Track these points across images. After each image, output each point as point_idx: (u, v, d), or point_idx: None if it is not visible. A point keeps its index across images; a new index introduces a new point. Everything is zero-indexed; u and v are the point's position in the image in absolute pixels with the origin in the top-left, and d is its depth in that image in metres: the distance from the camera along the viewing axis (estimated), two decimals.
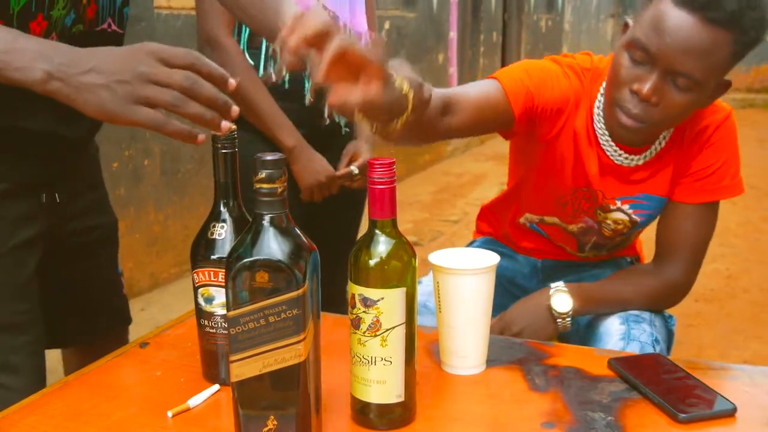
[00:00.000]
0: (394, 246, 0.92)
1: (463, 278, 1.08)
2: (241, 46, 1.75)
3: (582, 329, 1.54)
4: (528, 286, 1.64)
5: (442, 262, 1.10)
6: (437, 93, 1.20)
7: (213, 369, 1.07)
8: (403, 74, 0.98)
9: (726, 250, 4.31)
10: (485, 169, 7.11)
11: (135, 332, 1.58)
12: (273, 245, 0.83)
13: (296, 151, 1.76)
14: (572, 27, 12.43)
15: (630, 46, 1.29)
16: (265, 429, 0.85)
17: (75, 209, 1.34)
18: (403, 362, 0.93)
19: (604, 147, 1.42)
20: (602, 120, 1.40)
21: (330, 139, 1.86)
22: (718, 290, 3.84)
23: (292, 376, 0.84)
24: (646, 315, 1.46)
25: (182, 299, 3.48)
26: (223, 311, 1.02)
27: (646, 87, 1.27)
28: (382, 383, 0.93)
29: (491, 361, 1.13)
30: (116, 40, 1.29)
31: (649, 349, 1.38)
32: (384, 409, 0.94)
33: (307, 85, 1.78)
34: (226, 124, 0.97)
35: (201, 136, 0.97)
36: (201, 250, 1.05)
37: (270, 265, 0.82)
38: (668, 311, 1.55)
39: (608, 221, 1.50)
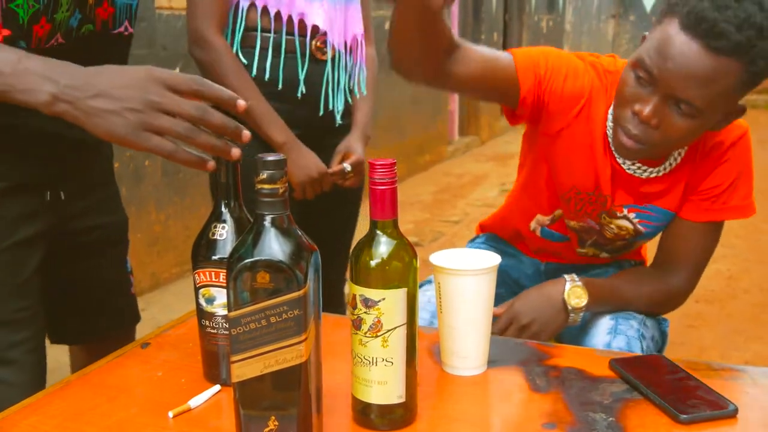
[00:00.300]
0: (396, 246, 0.92)
1: (464, 279, 1.08)
2: (235, 45, 1.75)
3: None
4: (531, 286, 1.63)
5: (443, 262, 1.10)
6: (454, 33, 1.27)
7: (214, 369, 1.07)
8: None
9: (727, 251, 4.30)
10: (486, 170, 7.11)
11: (136, 332, 1.58)
12: (274, 246, 0.83)
13: (286, 147, 1.74)
14: (573, 27, 12.43)
15: (635, 66, 1.26)
16: (266, 429, 0.85)
17: (80, 207, 1.34)
18: (405, 363, 0.93)
19: (617, 155, 1.41)
20: None
21: (324, 138, 1.86)
22: (719, 291, 3.84)
23: (294, 376, 0.84)
24: (638, 314, 1.46)
25: (183, 299, 3.48)
26: (224, 312, 1.02)
27: (646, 109, 1.25)
28: (383, 384, 0.93)
29: (492, 362, 1.13)
30: (129, 41, 1.30)
31: (636, 344, 1.38)
32: (385, 409, 0.94)
33: (301, 86, 1.77)
34: (236, 151, 0.98)
35: (210, 163, 0.98)
36: (202, 250, 1.05)
37: (271, 266, 0.82)
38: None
39: (612, 226, 1.49)
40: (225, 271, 0.85)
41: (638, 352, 1.36)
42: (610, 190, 1.44)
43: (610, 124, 1.40)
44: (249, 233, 0.84)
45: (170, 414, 0.98)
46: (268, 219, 0.84)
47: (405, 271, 0.92)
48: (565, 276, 1.42)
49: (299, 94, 1.78)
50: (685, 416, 0.96)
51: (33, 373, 1.24)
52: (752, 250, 4.44)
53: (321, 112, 1.82)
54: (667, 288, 1.46)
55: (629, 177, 1.42)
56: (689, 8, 1.19)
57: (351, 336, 0.94)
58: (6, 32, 1.07)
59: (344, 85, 1.86)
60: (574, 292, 1.40)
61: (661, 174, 1.42)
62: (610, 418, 0.97)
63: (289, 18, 1.74)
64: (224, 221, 1.05)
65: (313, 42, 1.77)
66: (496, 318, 1.38)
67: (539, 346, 1.21)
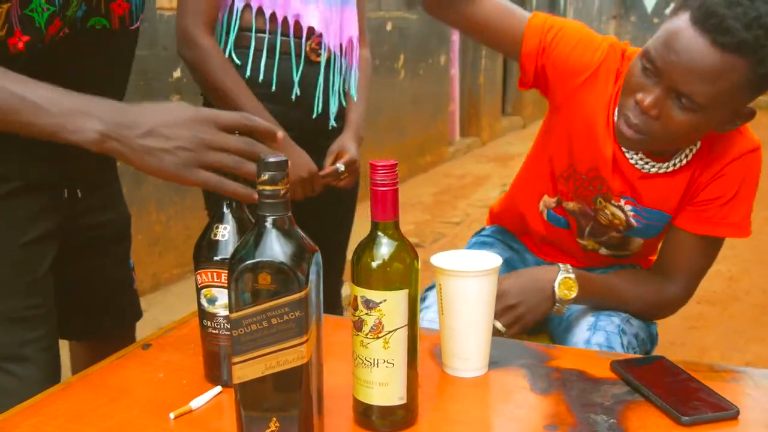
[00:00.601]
0: (397, 248, 0.92)
1: (465, 280, 1.08)
2: (229, 46, 1.74)
3: (556, 317, 1.54)
4: None
5: (444, 264, 1.10)
6: None
7: (215, 370, 1.07)
8: None
9: (727, 252, 4.28)
10: (487, 171, 7.11)
11: (137, 333, 1.58)
12: (276, 247, 0.83)
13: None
14: None
15: (643, 56, 1.27)
16: (268, 431, 0.85)
17: (89, 205, 1.35)
18: (406, 364, 0.93)
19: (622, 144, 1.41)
20: None
21: (318, 140, 1.85)
22: (720, 292, 3.84)
23: (295, 377, 0.84)
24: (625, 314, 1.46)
25: (184, 300, 3.48)
26: (226, 312, 1.02)
27: (647, 99, 1.25)
28: (384, 385, 0.93)
29: (493, 364, 1.13)
30: (138, 35, 1.31)
31: (615, 339, 1.38)
32: (386, 411, 0.94)
33: (296, 88, 1.76)
34: None
35: (255, 195, 1.00)
36: (204, 251, 1.05)
37: (272, 267, 0.82)
38: None
39: (606, 212, 1.49)
40: (227, 271, 0.85)
41: (618, 348, 1.36)
42: (608, 175, 1.43)
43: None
44: (250, 234, 0.84)
45: (171, 415, 0.98)
46: (269, 220, 0.84)
47: (406, 273, 0.92)
48: (560, 265, 1.42)
49: (293, 96, 1.77)
50: (686, 418, 0.96)
51: (47, 371, 1.24)
52: (753, 251, 4.44)
53: (315, 115, 1.81)
54: (662, 294, 1.46)
55: (631, 167, 1.42)
56: (701, 2, 1.19)
57: (352, 337, 0.94)
58: (26, 38, 1.09)
59: (339, 87, 1.85)
60: (565, 282, 1.39)
61: (662, 171, 1.41)
62: (612, 420, 0.97)
63: (285, 19, 1.73)
64: (226, 222, 1.05)
65: (308, 43, 1.76)
66: None
67: (540, 347, 1.21)
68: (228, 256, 0.93)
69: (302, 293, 0.82)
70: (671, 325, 3.24)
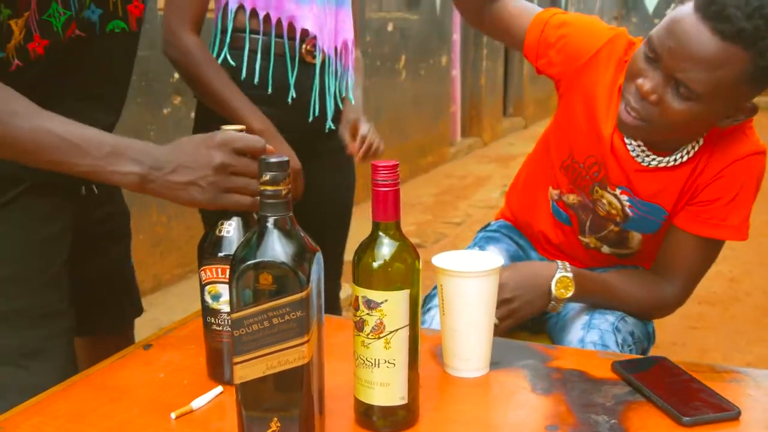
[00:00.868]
0: (398, 248, 0.92)
1: (467, 281, 1.08)
2: (224, 47, 1.73)
3: (554, 317, 1.54)
4: None
5: (445, 264, 1.10)
6: None
7: (218, 368, 1.07)
8: None
9: (729, 253, 4.28)
10: (488, 171, 7.11)
11: (138, 334, 1.58)
12: (277, 247, 0.83)
13: (266, 135, 1.67)
14: None
15: (646, 43, 1.28)
16: (269, 431, 0.85)
17: (92, 200, 1.37)
18: (407, 364, 0.93)
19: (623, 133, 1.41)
20: None
21: (317, 143, 1.84)
22: (721, 293, 3.84)
23: (296, 377, 0.84)
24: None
25: (185, 300, 3.48)
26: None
27: (647, 84, 1.26)
28: (385, 385, 0.93)
29: (494, 364, 1.13)
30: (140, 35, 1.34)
31: (609, 337, 1.38)
32: (387, 411, 0.94)
33: (291, 90, 1.75)
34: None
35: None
36: (209, 247, 1.05)
37: (274, 267, 0.82)
38: None
39: (603, 201, 1.49)
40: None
41: (612, 346, 1.36)
42: (605, 160, 1.44)
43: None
44: (252, 234, 0.85)
45: (172, 415, 0.98)
46: (271, 221, 0.84)
47: (408, 273, 0.92)
48: (559, 263, 1.41)
49: (289, 99, 1.76)
50: (687, 419, 0.96)
51: (67, 365, 1.27)
52: (754, 252, 4.43)
53: (311, 117, 1.80)
54: (660, 294, 1.46)
55: (629, 159, 1.42)
56: None
57: (353, 338, 0.94)
58: (45, 42, 1.13)
59: (335, 90, 1.83)
60: (561, 281, 1.39)
61: (661, 166, 1.41)
62: (613, 420, 0.97)
63: (278, 21, 1.72)
64: (231, 218, 1.06)
65: (303, 46, 1.74)
66: None
67: (541, 348, 1.21)
68: (233, 252, 0.93)
69: (303, 293, 0.82)
70: (672, 326, 3.24)
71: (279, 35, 1.73)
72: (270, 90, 1.74)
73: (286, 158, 0.84)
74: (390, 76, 6.02)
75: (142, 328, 1.63)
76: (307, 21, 1.74)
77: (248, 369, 0.84)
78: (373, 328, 0.91)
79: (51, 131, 1.03)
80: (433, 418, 0.98)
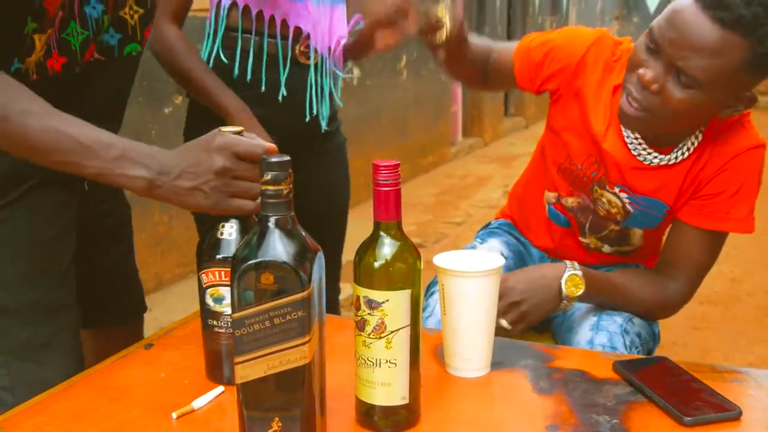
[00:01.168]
0: (399, 248, 0.92)
1: (467, 281, 1.08)
2: (216, 45, 1.71)
3: (559, 317, 1.54)
4: None
5: (446, 264, 1.10)
6: (482, 46, 1.57)
7: (218, 369, 1.07)
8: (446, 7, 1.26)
9: (730, 253, 4.29)
10: (489, 171, 7.10)
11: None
12: (278, 247, 0.83)
13: (241, 116, 1.66)
14: None
15: (647, 33, 1.29)
16: (270, 431, 0.85)
17: (94, 196, 1.37)
18: (408, 364, 0.93)
19: (625, 133, 1.42)
20: None
21: (313, 144, 1.84)
22: (723, 293, 3.84)
23: (297, 377, 0.84)
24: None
25: (186, 300, 3.48)
26: None
27: (648, 74, 1.27)
28: (386, 385, 0.93)
29: (496, 364, 1.13)
30: None
31: (618, 339, 1.37)
32: (388, 411, 0.94)
33: (282, 89, 1.74)
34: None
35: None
36: (209, 250, 1.05)
37: (275, 267, 0.82)
38: None
39: (603, 200, 1.49)
40: None
41: (621, 348, 1.36)
42: (603, 158, 1.44)
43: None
44: (253, 234, 0.85)
45: (173, 415, 0.98)
46: (272, 220, 0.84)
47: (409, 273, 0.92)
48: (567, 262, 1.41)
49: (280, 98, 1.74)
50: (689, 419, 0.96)
51: (76, 358, 1.29)
52: (756, 252, 4.43)
53: (307, 118, 1.78)
54: (665, 291, 1.46)
55: (629, 156, 1.42)
56: None
57: (354, 337, 0.94)
58: (63, 59, 1.16)
59: (329, 90, 1.82)
60: (572, 279, 1.39)
61: (663, 164, 1.41)
62: (614, 421, 0.97)
63: (272, 18, 1.69)
64: (230, 220, 1.05)
65: (297, 46, 1.73)
66: None
67: (543, 347, 1.21)
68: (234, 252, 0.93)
69: (305, 293, 0.82)
70: (674, 326, 3.23)
71: (272, 35, 1.71)
72: (263, 89, 1.73)
73: (287, 158, 0.84)
74: (391, 76, 6.02)
75: (143, 327, 1.62)
76: (300, 18, 1.71)
77: (249, 369, 0.84)
78: (374, 327, 0.91)
79: (62, 132, 1.04)
80: (434, 418, 0.98)
